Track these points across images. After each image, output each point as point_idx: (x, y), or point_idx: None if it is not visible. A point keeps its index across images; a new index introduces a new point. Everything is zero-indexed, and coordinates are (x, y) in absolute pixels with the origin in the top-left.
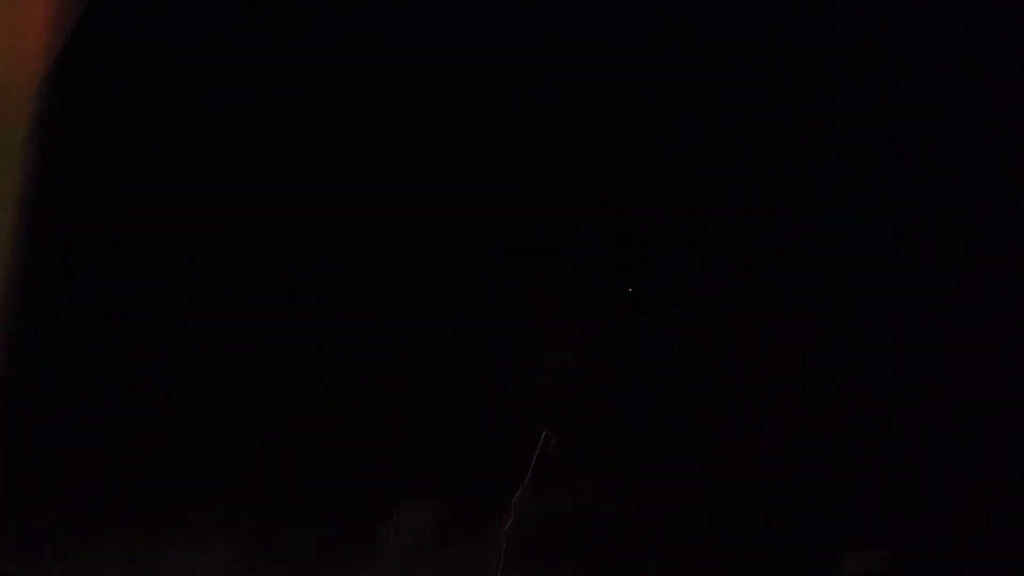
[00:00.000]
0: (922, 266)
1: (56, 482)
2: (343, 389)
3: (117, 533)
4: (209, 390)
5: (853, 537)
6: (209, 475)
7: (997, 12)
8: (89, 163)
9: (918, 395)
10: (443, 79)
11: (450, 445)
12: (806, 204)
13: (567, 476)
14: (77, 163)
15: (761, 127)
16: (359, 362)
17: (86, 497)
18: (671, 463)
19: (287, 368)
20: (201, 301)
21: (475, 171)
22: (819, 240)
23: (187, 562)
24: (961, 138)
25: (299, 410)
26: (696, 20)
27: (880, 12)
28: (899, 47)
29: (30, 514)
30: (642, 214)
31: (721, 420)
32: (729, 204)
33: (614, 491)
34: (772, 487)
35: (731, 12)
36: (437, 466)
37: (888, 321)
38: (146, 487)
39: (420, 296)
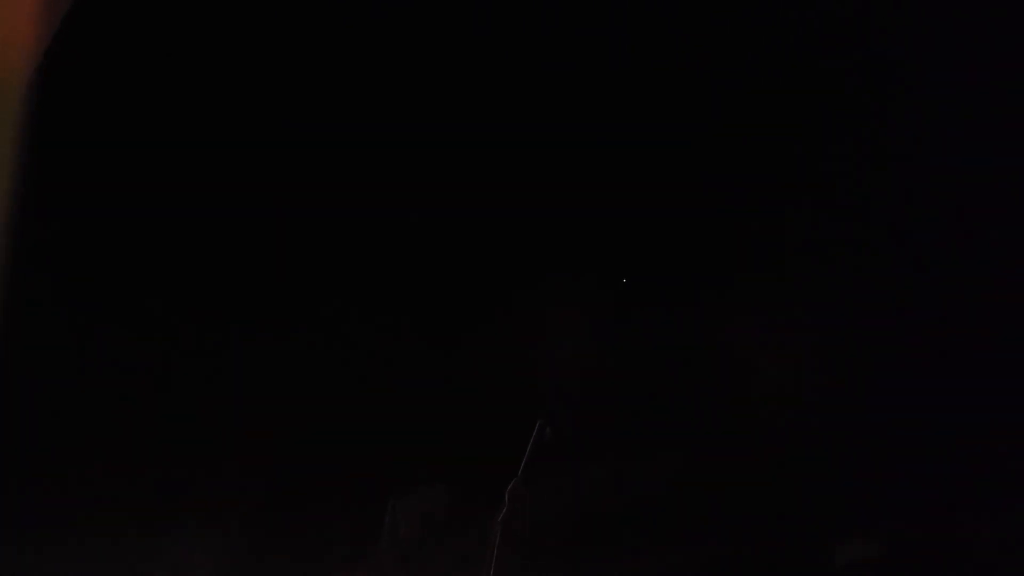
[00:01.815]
0: (922, 260)
1: (49, 476)
2: (337, 382)
3: (111, 527)
4: (203, 382)
5: (848, 528)
6: (203, 470)
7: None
8: (81, 158)
9: (916, 389)
10: (453, 79)
11: (446, 436)
12: (806, 200)
13: (561, 467)
14: (69, 158)
15: (771, 124)
16: (353, 355)
17: (79, 491)
18: (667, 455)
19: (281, 361)
20: (193, 292)
21: (484, 163)
22: (817, 234)
23: (181, 556)
24: (970, 136)
25: (293, 403)
26: (703, 18)
27: (887, 12)
28: (909, 45)
29: (22, 509)
30: (643, 208)
31: (717, 412)
32: (732, 199)
33: (608, 482)
34: (768, 479)
35: (739, 11)
36: (432, 457)
37: (885, 313)
38: (139, 481)
39: (416, 288)
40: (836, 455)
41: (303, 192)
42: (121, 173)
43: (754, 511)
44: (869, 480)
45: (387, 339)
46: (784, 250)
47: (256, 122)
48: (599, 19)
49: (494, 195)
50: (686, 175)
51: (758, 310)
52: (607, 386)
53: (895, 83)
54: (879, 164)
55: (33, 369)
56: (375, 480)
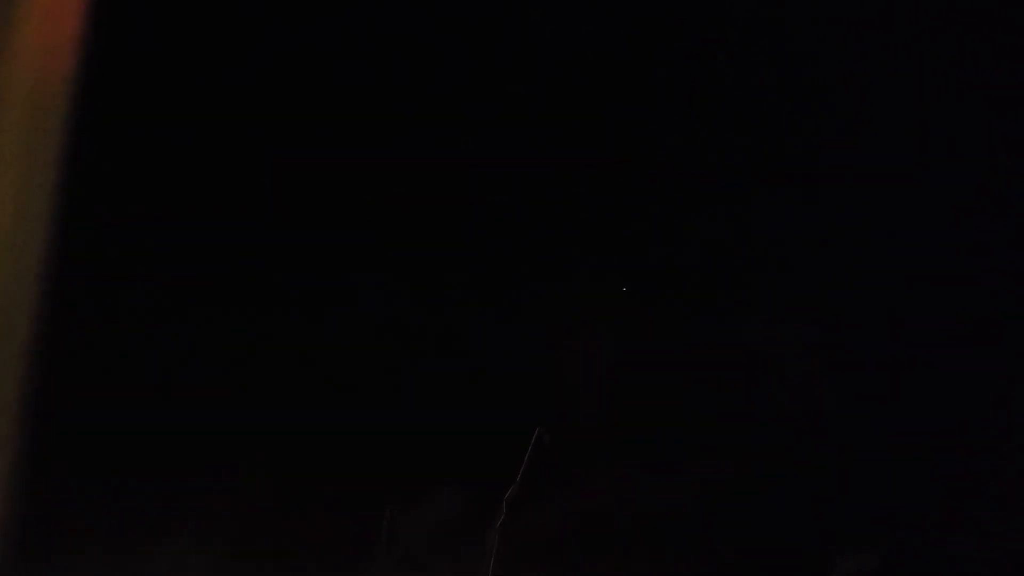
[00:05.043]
0: (921, 266)
1: (46, 480)
2: (338, 388)
3: (107, 531)
4: (203, 386)
5: (847, 537)
6: (201, 472)
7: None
8: (120, 159)
9: (915, 395)
10: (472, 83)
11: (448, 442)
12: (822, 205)
13: (560, 474)
14: (108, 159)
15: (783, 127)
16: (354, 361)
17: (77, 495)
18: (665, 463)
19: (283, 367)
20: (199, 295)
21: (502, 171)
22: (823, 245)
23: (178, 559)
24: (974, 135)
25: (293, 409)
26: (712, 23)
27: (885, 10)
28: (912, 43)
29: (20, 513)
30: (662, 212)
31: (716, 421)
32: (751, 204)
33: (605, 489)
34: (767, 487)
35: (740, 13)
36: (430, 464)
37: (884, 323)
38: (137, 484)
39: (422, 293)
40: (833, 461)
41: (312, 193)
42: (160, 177)
43: (756, 519)
44: (871, 488)
45: (386, 348)
46: (787, 260)
47: (295, 122)
48: (602, 20)
49: (497, 197)
50: (695, 175)
51: (760, 321)
52: (609, 394)
53: (899, 82)
54: (886, 165)
55: (35, 376)
56: (371, 488)
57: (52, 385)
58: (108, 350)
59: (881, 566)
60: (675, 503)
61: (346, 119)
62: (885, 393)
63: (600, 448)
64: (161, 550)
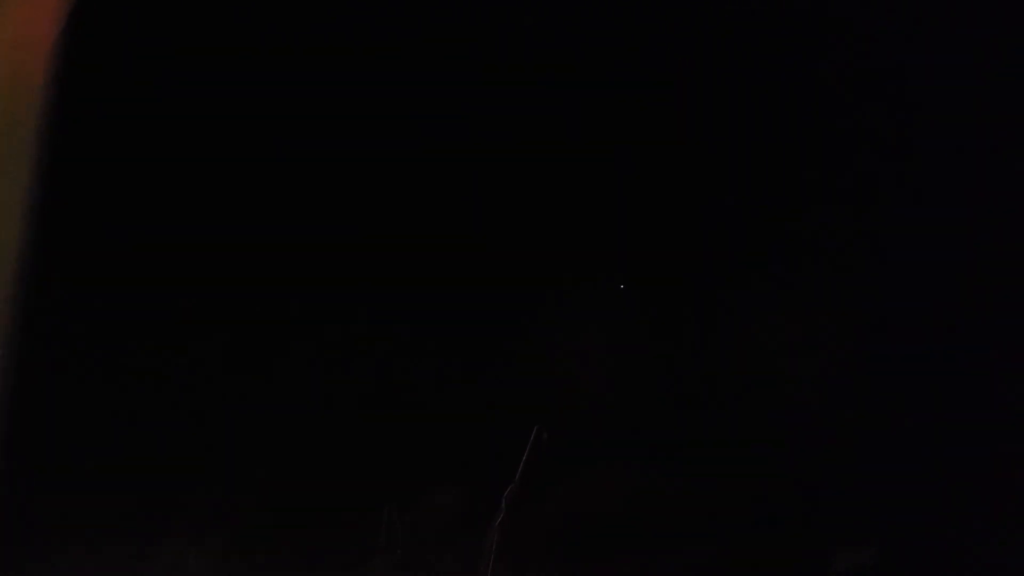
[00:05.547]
0: (920, 265)
1: (44, 478)
2: (337, 387)
3: (106, 529)
4: (202, 384)
5: (845, 534)
6: (200, 470)
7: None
8: (96, 161)
9: (912, 394)
10: (474, 86)
11: (447, 442)
12: (822, 207)
13: (559, 473)
14: (83, 161)
15: (786, 126)
16: (354, 361)
17: (75, 492)
18: (665, 461)
19: (281, 365)
20: (196, 294)
21: (501, 169)
22: (821, 244)
23: (177, 558)
24: (985, 137)
25: (292, 407)
26: (708, 19)
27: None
28: (911, 43)
29: (19, 510)
30: (657, 213)
31: (716, 420)
32: (747, 205)
33: (605, 488)
34: (766, 484)
35: (753, 14)
36: (430, 463)
37: (883, 321)
38: (136, 482)
39: (421, 294)
40: (837, 459)
41: (312, 199)
42: (137, 177)
43: (754, 516)
44: (869, 485)
45: (385, 348)
46: (788, 259)
47: (278, 124)
48: (606, 22)
49: (495, 196)
50: (696, 176)
51: (757, 319)
52: (609, 394)
53: (903, 81)
54: (891, 162)
55: (32, 374)
56: (371, 487)
57: (48, 383)
58: (105, 347)
59: (879, 562)
60: (675, 503)
61: (341, 118)
62: (884, 391)
63: (600, 448)
64: (159, 550)
